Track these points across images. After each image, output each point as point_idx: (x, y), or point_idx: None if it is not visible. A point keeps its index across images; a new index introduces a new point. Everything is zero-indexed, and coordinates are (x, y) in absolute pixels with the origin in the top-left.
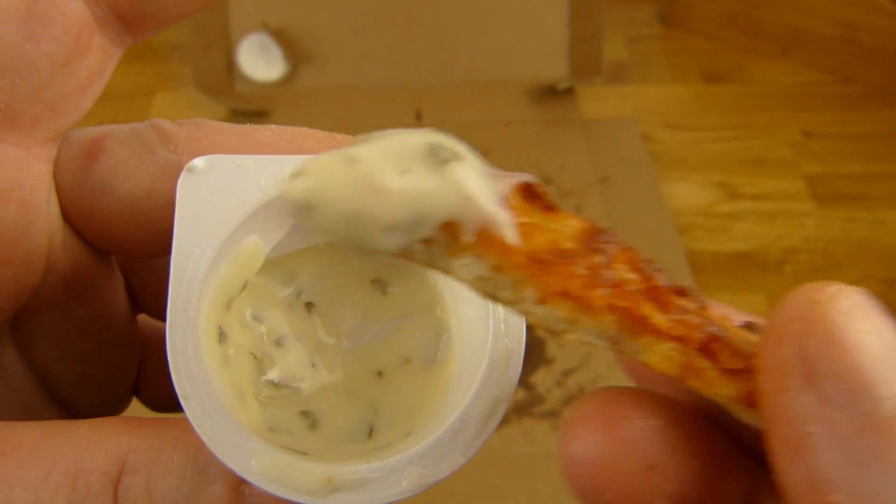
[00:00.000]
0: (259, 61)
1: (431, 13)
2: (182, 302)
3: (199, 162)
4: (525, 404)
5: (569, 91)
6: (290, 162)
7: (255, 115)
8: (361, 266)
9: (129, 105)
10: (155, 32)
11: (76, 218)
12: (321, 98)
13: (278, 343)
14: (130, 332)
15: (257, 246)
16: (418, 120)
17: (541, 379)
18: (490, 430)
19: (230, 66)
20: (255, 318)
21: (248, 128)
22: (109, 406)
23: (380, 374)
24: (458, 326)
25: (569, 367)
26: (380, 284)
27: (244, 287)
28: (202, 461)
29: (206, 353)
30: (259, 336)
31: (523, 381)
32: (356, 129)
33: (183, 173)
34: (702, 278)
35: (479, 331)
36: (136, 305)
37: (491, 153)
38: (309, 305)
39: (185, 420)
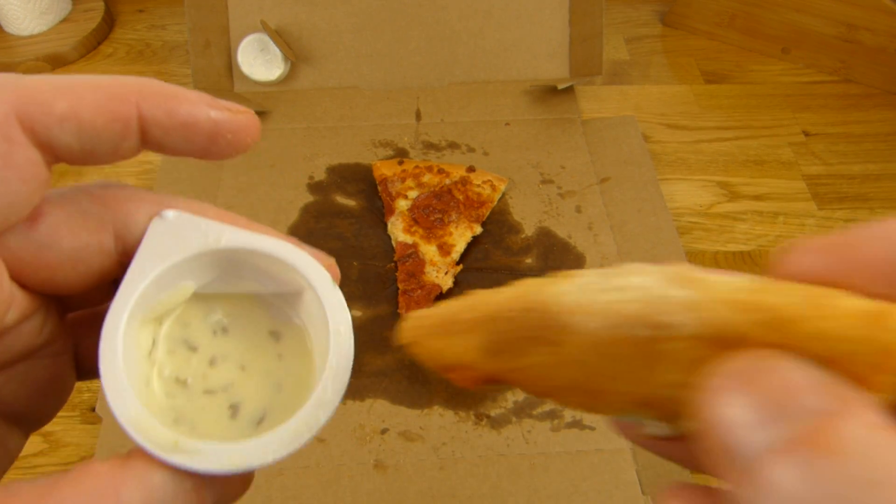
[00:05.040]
0: (258, 61)
1: (431, 13)
2: (124, 296)
3: (169, 213)
4: (525, 405)
5: (569, 91)
6: (227, 230)
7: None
8: (262, 317)
9: None
10: None
11: (22, 273)
12: (321, 98)
13: (212, 363)
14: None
15: (190, 287)
16: (418, 119)
17: None
18: (311, 432)
19: (229, 66)
20: (190, 347)
21: (161, 196)
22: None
23: (280, 356)
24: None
25: None
26: (275, 335)
27: (174, 311)
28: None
29: (131, 342)
30: (191, 360)
31: None
32: (356, 129)
33: (155, 218)
34: None
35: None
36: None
37: (491, 153)
38: (225, 330)
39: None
